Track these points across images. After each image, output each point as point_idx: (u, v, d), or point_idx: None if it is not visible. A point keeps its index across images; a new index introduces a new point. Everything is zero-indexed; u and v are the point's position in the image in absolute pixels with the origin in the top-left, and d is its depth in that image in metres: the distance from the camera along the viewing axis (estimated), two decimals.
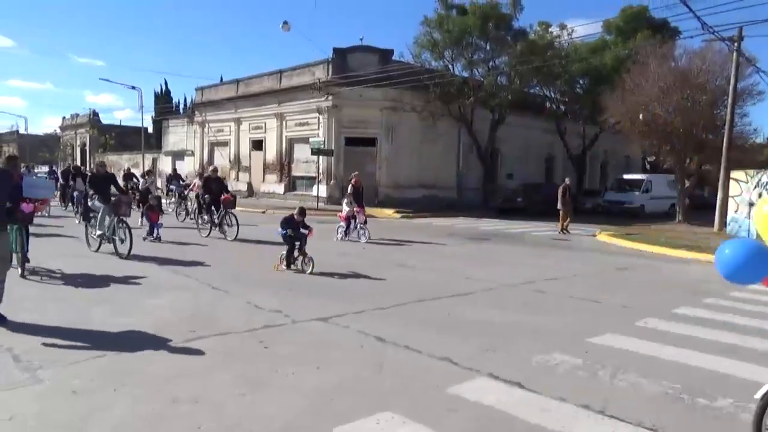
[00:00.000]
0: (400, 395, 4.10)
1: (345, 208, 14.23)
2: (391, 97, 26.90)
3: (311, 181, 28.26)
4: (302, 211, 9.58)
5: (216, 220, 13.45)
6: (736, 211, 18.04)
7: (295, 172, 30.66)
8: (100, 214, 10.27)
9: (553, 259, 11.87)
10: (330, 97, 27.21)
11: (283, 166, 30.95)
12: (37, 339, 5.09)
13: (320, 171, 27.14)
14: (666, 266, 11.57)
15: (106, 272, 8.42)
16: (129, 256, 9.77)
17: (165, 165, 40.24)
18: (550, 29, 28.52)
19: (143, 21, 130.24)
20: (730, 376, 4.73)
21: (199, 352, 4.92)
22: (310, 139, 26.76)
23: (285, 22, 25.39)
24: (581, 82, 30.46)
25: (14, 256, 7.54)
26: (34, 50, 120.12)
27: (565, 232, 17.57)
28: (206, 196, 13.62)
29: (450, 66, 27.61)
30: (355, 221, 13.91)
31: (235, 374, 4.40)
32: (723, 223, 18.82)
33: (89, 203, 10.79)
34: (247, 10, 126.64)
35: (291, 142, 30.57)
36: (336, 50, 28.16)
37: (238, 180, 33.34)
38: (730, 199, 18.54)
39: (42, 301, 6.62)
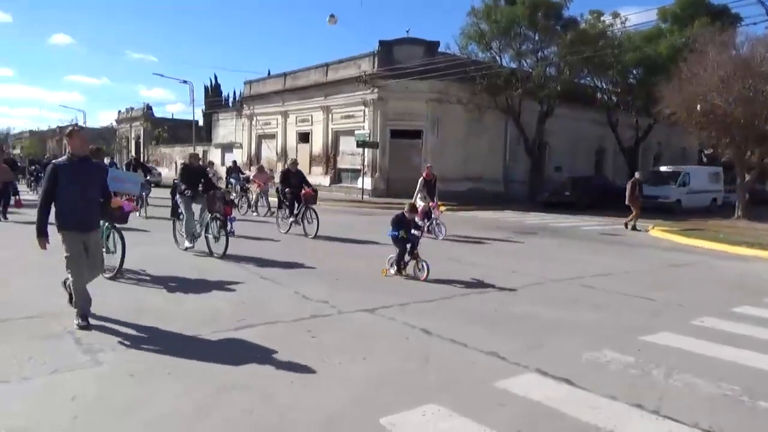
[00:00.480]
0: (447, 388, 4.09)
1: (419, 204, 12.92)
2: (437, 89, 26.71)
3: (356, 173, 28.43)
4: (413, 208, 8.58)
5: (296, 216, 12.74)
6: None
7: (341, 165, 30.90)
8: (183, 208, 9.64)
9: (604, 255, 11.56)
10: (375, 90, 27.25)
11: (329, 158, 31.23)
12: (97, 323, 5.31)
13: (365, 163, 27.25)
14: (724, 264, 11.10)
15: (173, 263, 8.70)
16: (224, 256, 9.07)
17: (215, 157, 41.19)
18: (602, 18, 27.67)
19: (194, 17, 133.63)
20: None
21: (248, 340, 5.03)
22: (356, 132, 26.90)
23: (332, 16, 25.66)
24: (635, 72, 29.42)
25: (107, 257, 7.04)
26: (92, 47, 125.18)
27: (627, 227, 16.89)
28: (287, 190, 12.84)
29: (497, 57, 27.18)
30: (430, 217, 13.01)
31: (284, 363, 4.48)
32: None
33: (177, 199, 9.99)
34: (295, 4, 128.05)
35: (337, 134, 30.81)
36: (382, 43, 28.14)
37: None
38: None
39: (103, 287, 6.90)
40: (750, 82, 19.94)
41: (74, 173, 5.23)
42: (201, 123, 52.97)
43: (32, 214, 16.32)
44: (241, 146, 39.38)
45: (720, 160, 28.67)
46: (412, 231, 8.22)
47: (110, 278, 7.10)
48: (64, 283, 5.62)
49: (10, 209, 14.97)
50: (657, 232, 16.28)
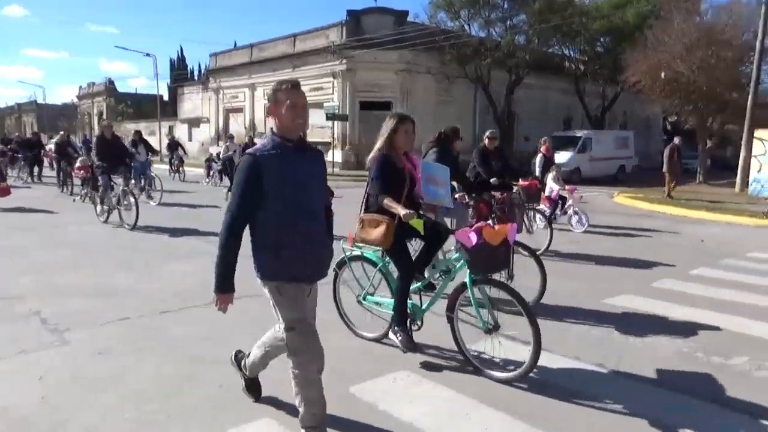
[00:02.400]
0: (416, 355, 4.17)
1: (553, 186, 10.01)
2: (407, 59, 26.52)
3: (326, 146, 28.19)
4: None
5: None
6: (759, 171, 17.63)
7: (310, 138, 29.84)
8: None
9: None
10: (344, 61, 26.91)
11: None
12: (64, 303, 5.25)
13: (335, 136, 27.05)
14: (685, 228, 11.45)
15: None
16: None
17: (181, 133, 40.43)
18: None
19: None
20: (746, 335, 4.73)
21: (219, 315, 5.02)
22: (325, 104, 26.61)
23: None
24: (602, 40, 29.66)
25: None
26: (48, 19, 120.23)
27: (671, 197, 15.95)
28: (492, 180, 6.91)
29: (466, 26, 27.10)
30: (564, 203, 10.44)
31: (254, 336, 4.48)
32: (745, 184, 18.48)
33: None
34: None
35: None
36: (350, 12, 27.69)
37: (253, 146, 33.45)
38: (753, 159, 18.14)
39: (70, 265, 6.80)
40: (713, 49, 20.31)
41: (292, 171, 2.76)
42: (166, 98, 51.72)
43: (19, 198, 14.90)
44: (208, 121, 38.65)
45: (683, 127, 29.27)
46: None
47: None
48: (241, 362, 3.50)
49: None
50: (621, 198, 16.66)
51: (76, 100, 64.53)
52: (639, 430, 3.15)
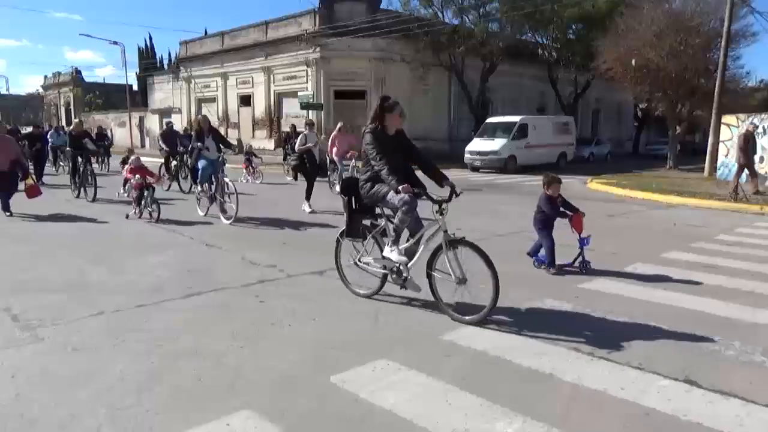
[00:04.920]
0: (395, 344, 4.19)
1: None
2: (380, 47, 26.40)
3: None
4: None
5: None
6: (726, 156, 18.10)
7: (285, 128, 30.30)
8: None
9: None
10: (318, 49, 26.68)
11: (272, 121, 30.59)
12: (36, 298, 5.13)
13: None
14: (656, 212, 11.69)
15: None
16: None
17: (152, 123, 39.71)
18: None
19: None
20: (716, 316, 4.86)
21: (196, 308, 4.98)
22: (299, 93, 26.41)
23: None
24: (574, 27, 29.93)
25: None
26: (7, 4, 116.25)
27: (740, 193, 12.40)
28: None
29: (440, 13, 27.11)
30: None
31: (232, 328, 4.47)
32: (713, 168, 18.93)
33: None
34: None
35: (279, 96, 30.12)
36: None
37: (227, 137, 33.02)
38: (720, 144, 18.58)
39: (38, 260, 6.64)
40: (681, 36, 20.66)
41: None
42: (135, 87, 50.62)
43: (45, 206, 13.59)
44: (179, 111, 38.00)
45: (654, 114, 29.76)
46: None
47: None
48: None
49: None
50: (595, 184, 16.92)
51: (41, 90, 62.76)
52: (614, 411, 3.22)
